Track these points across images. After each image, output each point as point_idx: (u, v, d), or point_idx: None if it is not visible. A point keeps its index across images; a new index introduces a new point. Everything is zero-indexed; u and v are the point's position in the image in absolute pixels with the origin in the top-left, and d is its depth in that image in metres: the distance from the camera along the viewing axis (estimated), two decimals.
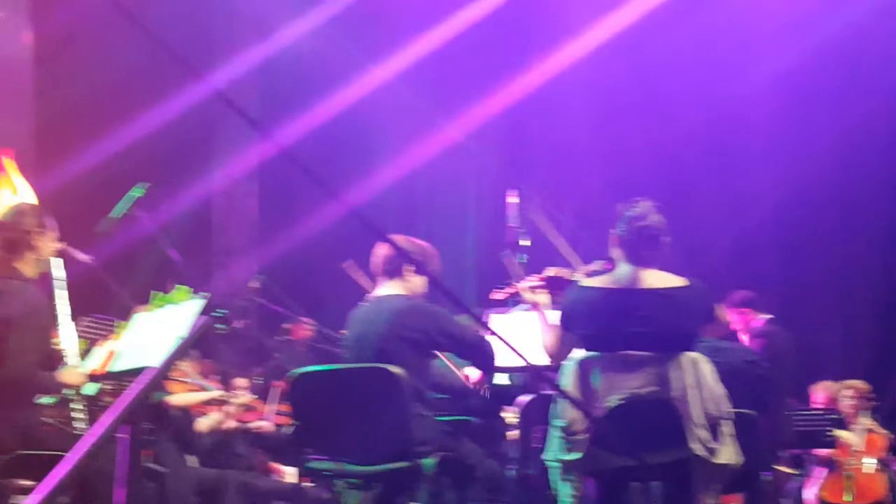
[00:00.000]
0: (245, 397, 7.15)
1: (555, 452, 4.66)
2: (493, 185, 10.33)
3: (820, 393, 8.95)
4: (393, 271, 5.37)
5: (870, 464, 8.41)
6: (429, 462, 5.07)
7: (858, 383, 8.84)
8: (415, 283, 5.39)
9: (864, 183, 11.31)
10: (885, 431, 8.63)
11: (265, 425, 7.00)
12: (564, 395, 4.55)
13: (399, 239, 5.13)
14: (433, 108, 10.70)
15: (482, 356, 5.46)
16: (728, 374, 5.14)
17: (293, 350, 8.75)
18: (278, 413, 7.12)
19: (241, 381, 7.47)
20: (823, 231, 11.33)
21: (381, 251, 5.38)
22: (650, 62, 11.20)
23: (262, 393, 7.55)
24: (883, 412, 9.45)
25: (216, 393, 6.87)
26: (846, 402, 8.74)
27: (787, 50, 10.94)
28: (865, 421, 8.63)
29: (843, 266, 11.30)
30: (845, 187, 11.34)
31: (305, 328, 8.70)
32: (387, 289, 5.40)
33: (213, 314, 6.38)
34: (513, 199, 6.51)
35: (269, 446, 7.27)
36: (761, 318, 8.02)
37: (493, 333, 5.43)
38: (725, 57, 11.06)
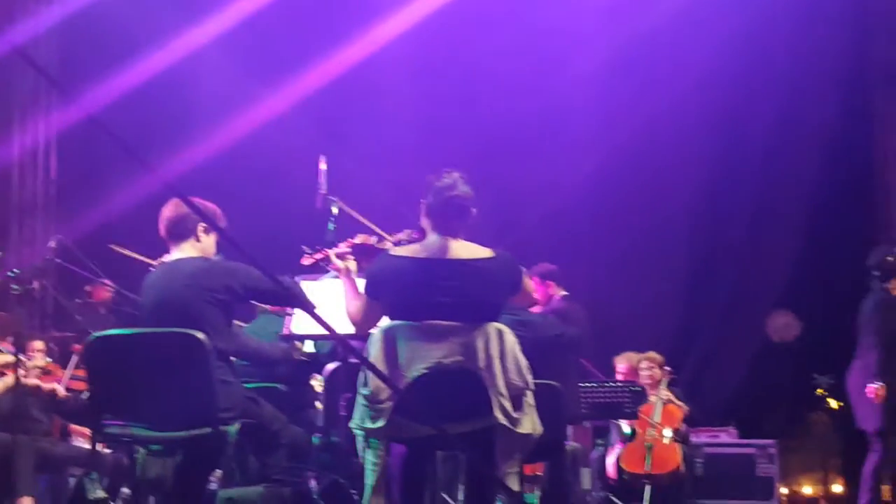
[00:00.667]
0: (41, 360, 6.88)
1: (359, 420, 4.64)
2: (305, 154, 10.23)
3: (622, 363, 9.20)
4: (184, 233, 5.24)
5: (667, 434, 8.69)
6: (232, 429, 4.98)
7: (655, 355, 9.12)
8: (207, 244, 5.27)
9: (671, 165, 11.74)
10: (681, 403, 8.93)
11: (60, 389, 6.74)
12: (367, 363, 4.52)
13: (183, 201, 4.83)
14: (251, 78, 10.53)
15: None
16: (533, 346, 5.22)
17: (95, 313, 8.48)
18: (75, 378, 6.88)
19: (37, 344, 7.18)
20: (632, 209, 11.73)
21: (168, 213, 5.23)
22: (472, 39, 11.30)
23: (61, 356, 7.29)
24: (682, 384, 9.81)
25: (8, 356, 6.58)
26: (645, 374, 9.01)
27: (604, 37, 11.28)
28: (664, 392, 8.90)
29: (649, 242, 11.71)
30: (654, 169, 11.74)
31: (105, 290, 8.44)
32: (180, 252, 5.26)
33: (8, 274, 6.13)
34: (323, 165, 6.42)
35: (66, 411, 7.01)
36: (560, 293, 8.13)
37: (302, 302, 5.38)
38: (547, 40, 11.29)
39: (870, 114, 11.43)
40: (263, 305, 6.67)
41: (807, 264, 11.54)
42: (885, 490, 7.83)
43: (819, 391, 11.39)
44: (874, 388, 7.47)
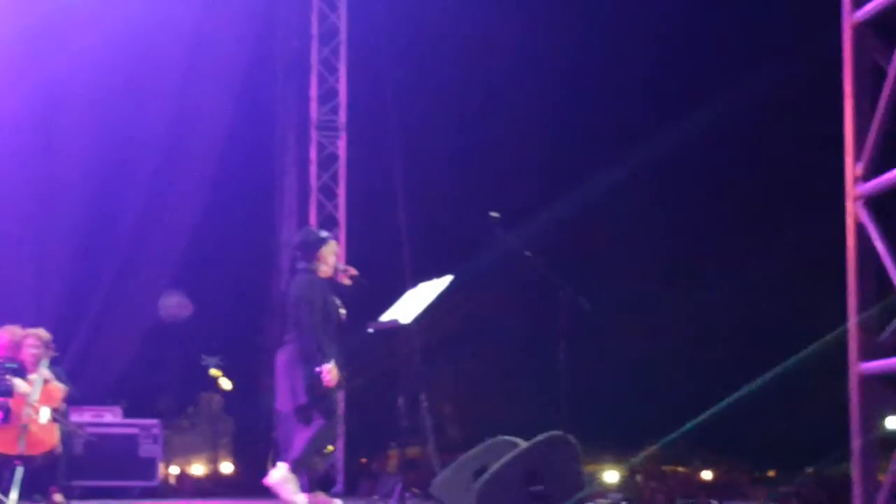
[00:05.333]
0: None
1: None
2: None
3: (3, 336, 8.65)
4: None
5: (45, 414, 8.30)
6: None
7: (42, 332, 8.68)
8: None
9: (64, 148, 11.38)
10: (61, 384, 8.56)
11: None
12: None
13: None
14: None
15: None
16: None
17: None
18: None
19: None
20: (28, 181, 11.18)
21: None
22: None
23: None
24: (67, 362, 9.45)
25: None
26: (28, 351, 8.54)
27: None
28: (44, 371, 8.49)
29: (40, 214, 11.22)
30: (47, 148, 11.34)
31: None
32: None
33: None
34: None
35: None
36: None
37: None
38: None
39: (268, 101, 11.79)
40: None
41: (200, 244, 11.64)
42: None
43: (212, 372, 11.53)
44: (327, 369, 7.47)
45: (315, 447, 7.76)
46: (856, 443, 5.05)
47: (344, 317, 7.95)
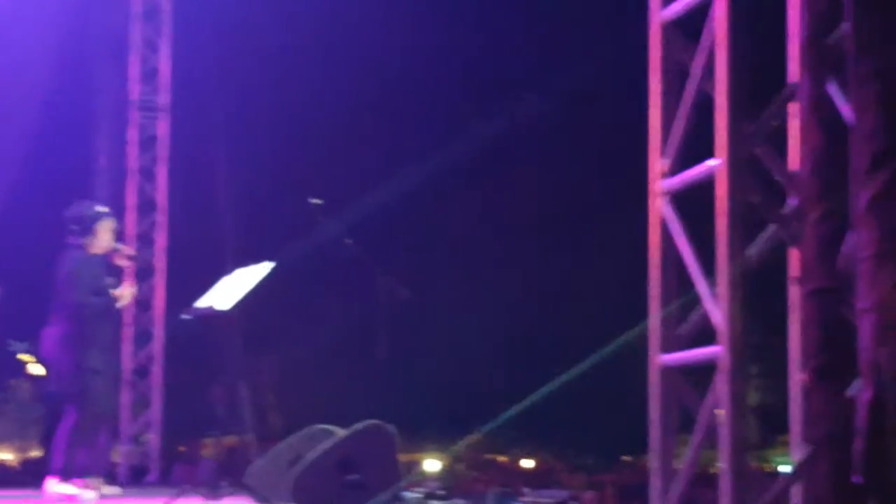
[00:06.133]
0: None
1: None
2: None
3: None
4: None
5: None
6: None
7: None
8: None
9: None
10: None
11: None
12: None
13: None
14: None
15: None
16: None
17: None
18: None
19: None
20: None
21: None
22: None
23: None
24: None
25: None
26: None
27: None
28: None
29: None
30: None
31: None
32: None
33: None
34: None
35: None
36: None
37: None
38: None
39: (86, 80, 11.45)
40: None
41: (9, 227, 11.22)
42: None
43: (21, 357, 11.15)
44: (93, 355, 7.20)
45: (75, 442, 7.46)
46: (654, 433, 5.18)
47: (119, 298, 7.63)
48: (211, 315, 7.79)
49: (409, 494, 10.21)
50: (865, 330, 4.23)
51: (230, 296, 7.72)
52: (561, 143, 13.66)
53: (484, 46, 13.06)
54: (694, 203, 5.19)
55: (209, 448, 11.78)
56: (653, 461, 5.21)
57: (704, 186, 4.94)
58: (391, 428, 7.28)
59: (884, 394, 4.06)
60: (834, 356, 4.26)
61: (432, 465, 15.02)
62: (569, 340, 13.30)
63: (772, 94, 4.93)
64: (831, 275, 4.30)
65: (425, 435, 15.94)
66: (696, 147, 5.09)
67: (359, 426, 7.27)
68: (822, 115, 4.45)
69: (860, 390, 4.10)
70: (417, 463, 13.34)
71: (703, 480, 5.37)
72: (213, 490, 7.56)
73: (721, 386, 4.72)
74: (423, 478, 12.26)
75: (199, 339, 9.15)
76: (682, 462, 5.09)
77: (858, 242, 4.30)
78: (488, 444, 17.01)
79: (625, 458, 18.86)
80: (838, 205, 4.23)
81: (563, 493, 11.79)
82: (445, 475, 13.65)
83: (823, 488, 4.24)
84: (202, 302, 7.83)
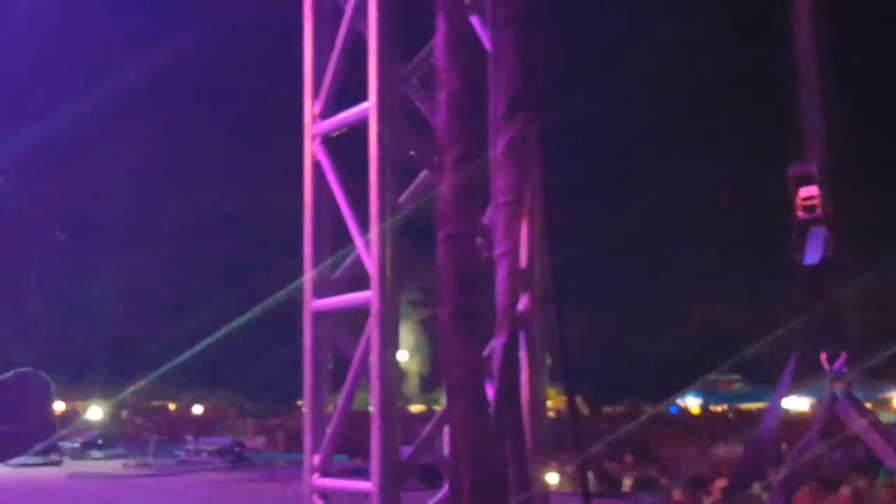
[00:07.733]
0: None
1: None
2: None
3: None
4: None
5: None
6: None
7: None
8: None
9: None
10: None
11: None
12: None
13: None
14: None
15: None
16: None
17: None
18: None
19: None
20: None
21: None
22: None
23: None
24: None
25: None
26: None
27: None
28: None
29: None
30: None
31: None
32: None
33: None
34: None
35: None
36: None
37: None
38: None
39: None
40: None
41: None
42: None
43: None
44: None
45: None
46: (308, 377, 5.12)
47: None
48: None
49: (65, 444, 9.78)
50: (502, 274, 4.34)
51: None
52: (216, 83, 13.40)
53: None
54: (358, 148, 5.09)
55: None
56: (306, 402, 5.16)
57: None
58: (45, 375, 6.95)
59: (517, 338, 4.18)
60: (469, 300, 4.29)
61: (95, 412, 14.44)
62: (245, 286, 13.16)
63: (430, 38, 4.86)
64: (468, 219, 4.33)
65: (89, 382, 15.37)
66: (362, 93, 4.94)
67: (9, 374, 6.90)
68: (460, 59, 4.40)
69: (496, 334, 4.20)
70: (79, 412, 12.83)
71: (362, 420, 5.38)
72: None
73: (371, 330, 4.70)
74: (86, 426, 11.81)
75: None
76: (335, 403, 5.07)
77: (495, 187, 4.38)
78: (157, 392, 16.59)
79: (299, 403, 18.91)
80: (476, 149, 4.25)
81: (227, 440, 11.69)
82: (109, 423, 13.25)
83: (462, 431, 4.29)
84: None
